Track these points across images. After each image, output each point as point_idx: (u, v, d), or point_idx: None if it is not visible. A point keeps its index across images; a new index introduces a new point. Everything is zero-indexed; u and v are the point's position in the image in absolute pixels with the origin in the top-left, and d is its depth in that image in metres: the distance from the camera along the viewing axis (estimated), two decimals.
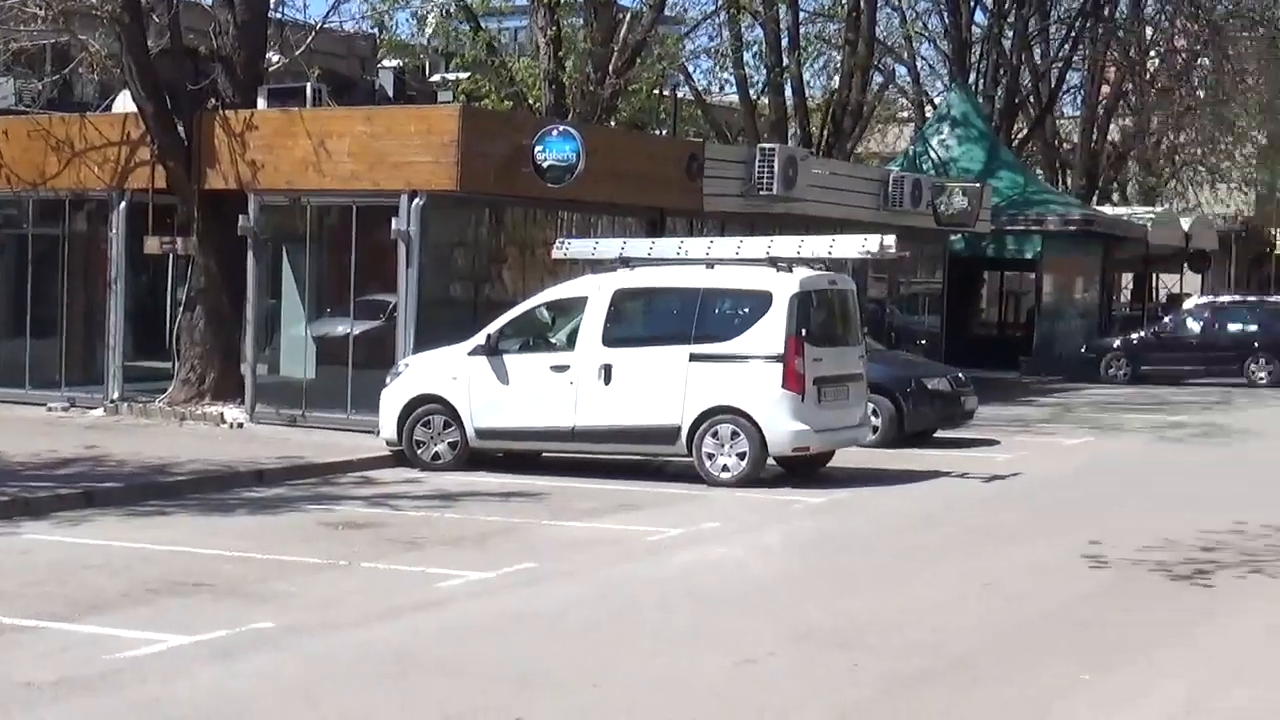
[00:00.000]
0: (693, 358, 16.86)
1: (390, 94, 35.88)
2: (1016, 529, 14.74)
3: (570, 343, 17.57)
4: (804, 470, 17.40)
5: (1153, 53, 47.73)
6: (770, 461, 17.03)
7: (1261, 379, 34.49)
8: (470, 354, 17.77)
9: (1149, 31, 46.97)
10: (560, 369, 17.34)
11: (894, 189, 29.92)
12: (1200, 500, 16.50)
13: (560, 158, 20.27)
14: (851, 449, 18.17)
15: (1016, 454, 20.42)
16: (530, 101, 29.08)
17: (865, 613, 10.68)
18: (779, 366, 16.57)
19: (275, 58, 24.23)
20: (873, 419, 19.12)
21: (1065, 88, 46.74)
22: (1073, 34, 44.07)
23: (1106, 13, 44.27)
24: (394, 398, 18.05)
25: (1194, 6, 43.58)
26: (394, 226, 19.85)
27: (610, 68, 26.68)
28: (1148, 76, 47.25)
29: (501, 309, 18.77)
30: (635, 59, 27.92)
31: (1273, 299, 42.37)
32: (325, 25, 26.40)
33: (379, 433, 18.29)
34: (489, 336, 17.74)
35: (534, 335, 18.19)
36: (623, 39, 27.13)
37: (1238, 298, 43.29)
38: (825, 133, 35.16)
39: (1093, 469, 19.94)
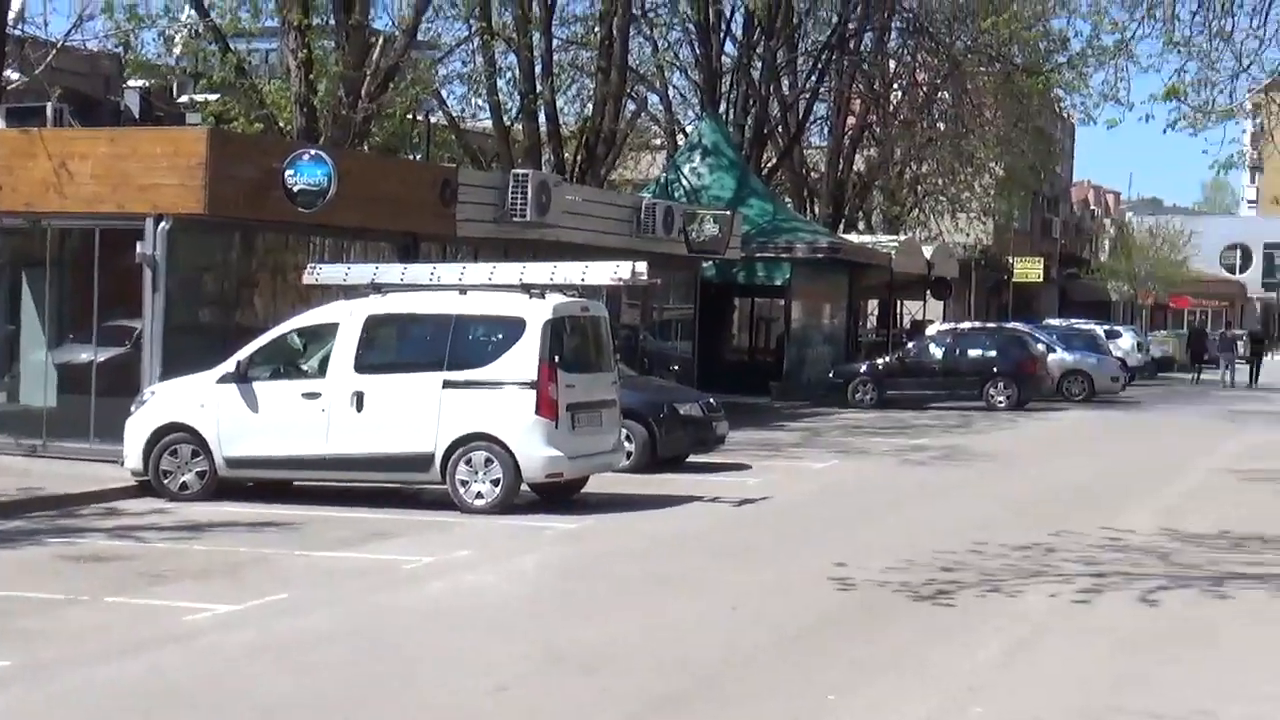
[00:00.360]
0: (446, 384, 16.81)
1: (136, 115, 35.04)
2: (766, 552, 14.98)
3: (322, 370, 17.38)
4: (558, 496, 17.46)
5: (895, 86, 48.99)
6: (524, 488, 17.05)
7: (1000, 403, 35.61)
8: (219, 381, 17.46)
9: (892, 65, 48.20)
10: (311, 396, 17.15)
11: (646, 216, 30.25)
12: (941, 521, 16.97)
13: (312, 182, 20.05)
14: (605, 474, 18.28)
15: (766, 478, 20.77)
16: (281, 125, 28.67)
17: (616, 637, 10.77)
18: (532, 393, 16.61)
19: (14, 75, 23.51)
20: (626, 445, 19.25)
21: (812, 118, 47.70)
22: (819, 66, 45.02)
23: (851, 46, 45.33)
24: (139, 426, 17.64)
25: (934, 42, 44.87)
26: (139, 250, 19.41)
27: (363, 91, 26.45)
28: (891, 108, 48.48)
29: (252, 335, 18.46)
30: (388, 83, 27.73)
31: (1010, 325, 43.84)
32: (67, 43, 25.70)
33: (124, 462, 17.84)
34: (238, 363, 17.46)
35: (285, 362, 17.95)
36: (375, 63, 26.92)
37: (978, 324, 44.71)
38: (579, 159, 35.35)
39: (840, 492, 20.37)
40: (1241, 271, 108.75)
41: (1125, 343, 50.66)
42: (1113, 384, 41.72)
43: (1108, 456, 26.02)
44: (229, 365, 17.50)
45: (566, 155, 35.72)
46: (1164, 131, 14.67)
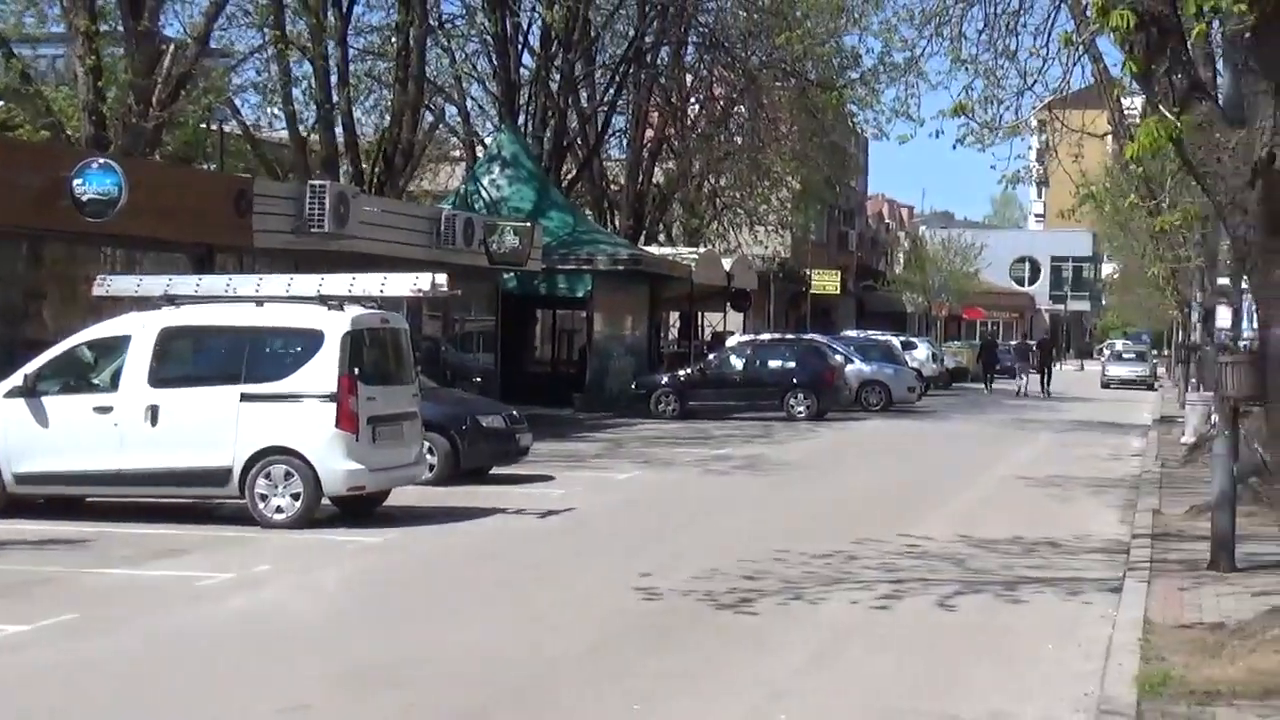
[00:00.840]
0: (244, 397, 16.50)
1: None
2: (570, 563, 14.95)
3: (114, 383, 16.95)
4: (360, 510, 17.24)
5: (693, 99, 49.37)
6: (325, 502, 16.81)
7: (800, 413, 36.04)
8: (6, 396, 16.95)
9: (689, 79, 48.58)
10: (103, 410, 16.71)
11: (446, 227, 30.09)
12: (744, 530, 17.09)
13: (101, 191, 19.58)
14: (408, 487, 18.10)
15: (570, 489, 20.73)
16: (69, 133, 27.98)
17: (418, 650, 10.64)
18: (332, 406, 16.38)
19: None
20: (428, 457, 19.08)
21: (611, 131, 47.84)
22: (617, 79, 45.19)
23: (649, 59, 45.57)
24: None
25: (730, 57, 45.30)
26: None
27: (154, 99, 25.91)
28: (689, 122, 48.84)
29: (40, 348, 17.94)
30: (180, 91, 27.21)
31: (809, 337, 44.42)
32: None
33: None
34: (26, 377, 16.96)
35: (75, 376, 17.47)
36: (167, 70, 26.40)
37: (777, 336, 45.22)
38: (377, 170, 35.04)
39: (644, 502, 20.41)
40: (1030, 284, 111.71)
41: (920, 354, 51.67)
42: (909, 394, 42.49)
43: (905, 465, 26.46)
44: (16, 379, 17.01)
45: (365, 166, 35.38)
46: (953, 147, 14.98)
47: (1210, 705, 8.67)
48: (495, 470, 21.62)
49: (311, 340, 16.63)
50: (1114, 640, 10.56)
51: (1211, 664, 9.54)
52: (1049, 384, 54.44)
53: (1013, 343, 68.14)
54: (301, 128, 34.56)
